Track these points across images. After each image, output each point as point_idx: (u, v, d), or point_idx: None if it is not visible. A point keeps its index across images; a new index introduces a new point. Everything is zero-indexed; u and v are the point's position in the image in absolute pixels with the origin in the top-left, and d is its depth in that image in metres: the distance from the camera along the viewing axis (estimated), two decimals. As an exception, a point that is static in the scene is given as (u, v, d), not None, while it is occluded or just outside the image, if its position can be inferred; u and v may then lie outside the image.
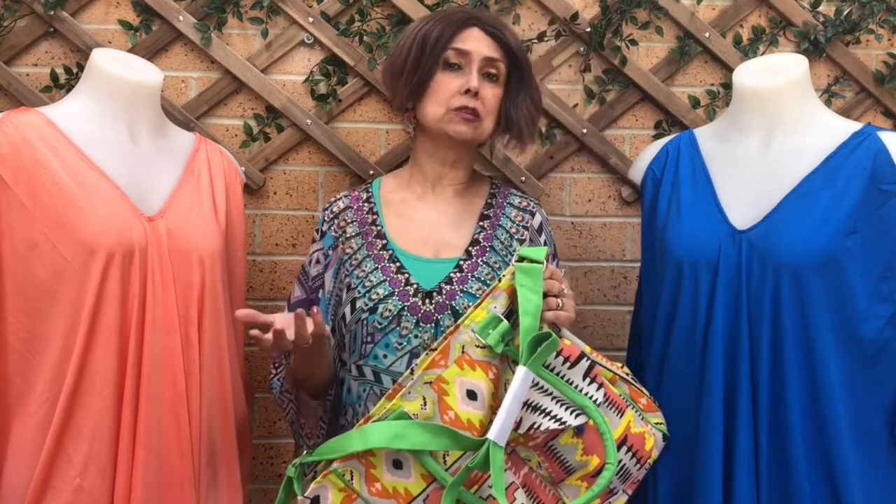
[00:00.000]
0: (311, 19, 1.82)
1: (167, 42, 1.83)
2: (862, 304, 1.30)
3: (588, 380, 1.25)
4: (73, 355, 1.28)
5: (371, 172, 1.84)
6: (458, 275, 1.41)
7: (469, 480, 1.20)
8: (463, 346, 1.23)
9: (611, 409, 1.28)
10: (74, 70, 1.80)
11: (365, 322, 1.39)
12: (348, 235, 1.47)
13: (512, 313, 1.25)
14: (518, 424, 1.22)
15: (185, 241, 1.39)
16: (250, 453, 1.60)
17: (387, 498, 1.20)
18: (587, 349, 1.31)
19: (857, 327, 1.30)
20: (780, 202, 1.35)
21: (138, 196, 1.39)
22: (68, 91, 1.73)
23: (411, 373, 1.23)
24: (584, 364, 1.26)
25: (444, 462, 1.20)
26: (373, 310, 1.39)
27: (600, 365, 1.31)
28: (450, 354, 1.24)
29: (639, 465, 1.29)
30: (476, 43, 1.44)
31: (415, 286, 1.40)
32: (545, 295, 1.26)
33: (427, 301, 1.38)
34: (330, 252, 1.48)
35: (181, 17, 1.79)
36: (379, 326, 1.38)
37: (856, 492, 1.28)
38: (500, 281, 1.27)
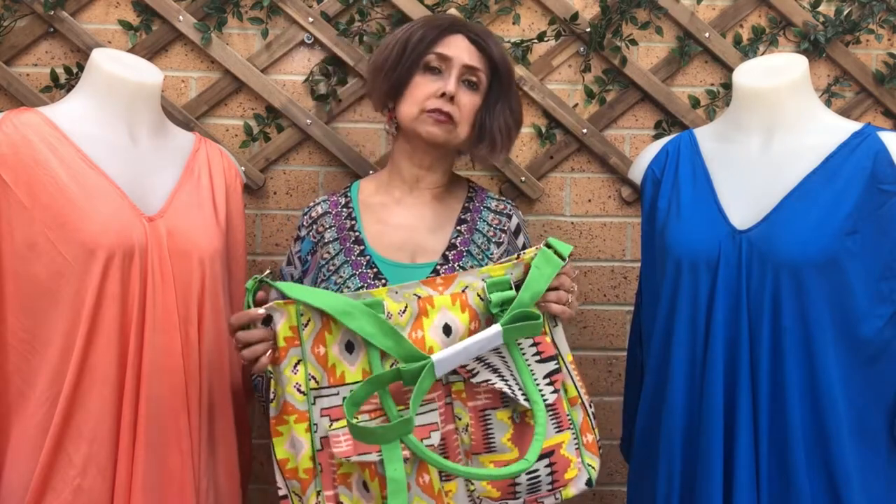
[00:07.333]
0: (311, 19, 1.82)
1: (167, 42, 1.83)
2: (862, 303, 1.30)
3: (547, 380, 1.27)
4: (73, 355, 1.28)
5: (371, 172, 1.83)
6: None
7: (401, 398, 1.20)
8: (466, 287, 1.26)
9: (553, 418, 1.28)
10: (74, 70, 1.80)
11: None
12: (326, 240, 1.47)
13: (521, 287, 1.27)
14: (472, 374, 1.23)
15: (185, 242, 1.39)
16: (250, 453, 1.60)
17: (322, 366, 1.21)
18: (569, 358, 1.34)
19: (857, 327, 1.30)
20: (780, 202, 1.35)
21: (138, 196, 1.39)
22: (68, 91, 1.73)
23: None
24: (551, 366, 1.28)
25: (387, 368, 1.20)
26: None
27: (572, 380, 1.33)
28: (451, 286, 1.26)
29: (551, 486, 1.28)
30: (458, 49, 1.45)
31: None
32: (558, 288, 1.29)
33: None
34: (308, 258, 1.49)
35: (181, 17, 1.79)
36: None
37: (856, 491, 1.28)
38: (525, 254, 1.30)
